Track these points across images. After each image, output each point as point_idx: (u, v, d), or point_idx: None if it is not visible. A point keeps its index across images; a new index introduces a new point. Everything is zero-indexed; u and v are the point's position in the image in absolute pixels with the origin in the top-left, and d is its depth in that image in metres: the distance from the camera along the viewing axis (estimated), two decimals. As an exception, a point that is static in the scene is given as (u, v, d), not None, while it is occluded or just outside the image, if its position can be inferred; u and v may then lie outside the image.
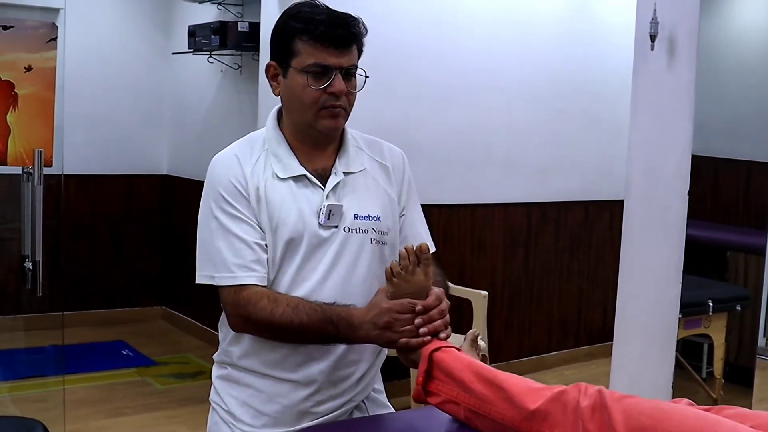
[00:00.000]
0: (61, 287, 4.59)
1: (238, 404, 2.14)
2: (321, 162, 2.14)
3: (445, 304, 2.03)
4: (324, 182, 2.11)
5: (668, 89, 3.43)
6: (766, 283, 5.56)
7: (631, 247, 3.60)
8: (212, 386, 2.24)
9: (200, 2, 5.73)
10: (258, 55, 5.08)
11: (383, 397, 2.31)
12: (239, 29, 5.23)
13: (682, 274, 3.46)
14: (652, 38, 3.37)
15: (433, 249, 2.24)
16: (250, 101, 5.39)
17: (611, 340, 3.71)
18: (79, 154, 6.00)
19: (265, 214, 2.05)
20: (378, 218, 2.15)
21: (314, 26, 2.01)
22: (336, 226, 2.08)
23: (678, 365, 3.62)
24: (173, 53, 6.32)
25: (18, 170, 3.54)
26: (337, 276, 2.08)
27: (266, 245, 2.05)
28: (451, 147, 5.23)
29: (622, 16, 5.34)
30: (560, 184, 5.85)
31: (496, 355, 5.44)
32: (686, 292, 3.54)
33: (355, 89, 2.10)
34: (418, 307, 1.96)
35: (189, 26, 5.71)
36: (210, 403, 2.25)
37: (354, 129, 2.26)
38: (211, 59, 5.74)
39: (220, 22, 5.35)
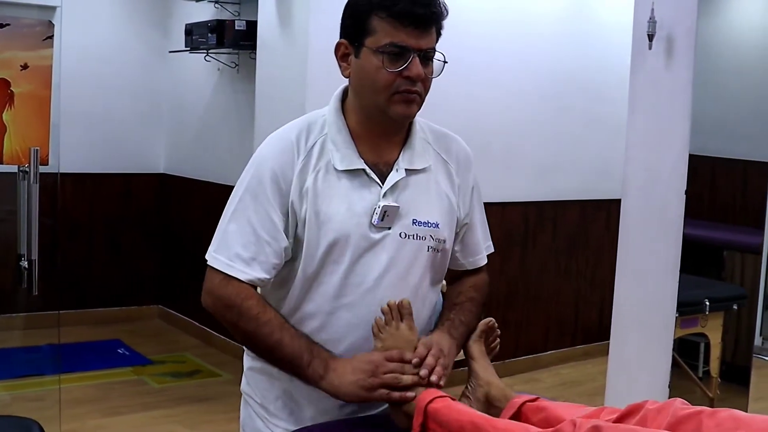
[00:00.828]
0: (57, 286, 4.58)
1: (272, 398, 2.04)
2: (384, 154, 1.98)
3: (436, 349, 1.89)
4: (383, 178, 1.95)
5: (666, 89, 3.43)
6: (762, 283, 5.57)
7: (628, 246, 3.60)
8: (244, 376, 2.13)
9: (197, 0, 5.72)
10: (255, 54, 5.07)
11: None
12: (236, 28, 5.23)
13: (679, 273, 3.46)
14: (650, 38, 3.37)
15: (491, 250, 2.18)
16: (248, 100, 5.38)
17: (608, 339, 3.72)
18: (76, 152, 5.99)
19: (310, 207, 1.89)
20: (437, 225, 1.99)
21: (393, 2, 1.83)
22: (389, 228, 1.93)
23: (675, 364, 3.62)
24: (170, 52, 6.31)
25: (14, 168, 3.53)
26: (390, 283, 1.94)
27: (283, 246, 1.91)
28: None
29: (621, 16, 5.33)
30: (558, 184, 5.85)
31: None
32: (683, 292, 3.55)
33: (432, 75, 1.92)
34: (414, 360, 1.85)
35: (186, 25, 5.71)
36: (243, 393, 2.14)
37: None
38: (208, 58, 5.74)
39: (217, 20, 5.34)
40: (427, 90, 1.92)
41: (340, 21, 1.97)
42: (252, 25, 5.11)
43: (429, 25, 1.87)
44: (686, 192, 3.42)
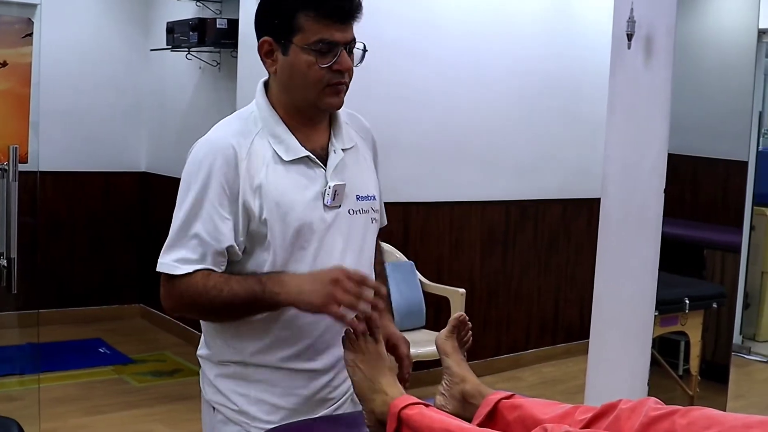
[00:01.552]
0: (37, 285, 4.55)
1: (249, 402, 2.03)
2: (317, 140, 2.04)
3: (383, 304, 1.97)
4: (324, 161, 2.02)
5: (645, 88, 3.44)
6: (742, 281, 5.60)
7: (607, 245, 3.61)
8: (208, 386, 2.10)
9: (179, -1, 5.71)
10: (236, 52, 5.06)
11: None
12: (218, 26, 5.22)
13: (658, 271, 3.47)
14: (629, 37, 3.39)
15: (384, 223, 2.25)
16: (229, 98, 5.37)
17: (588, 337, 3.73)
18: (56, 151, 5.98)
19: (269, 201, 1.93)
20: (374, 198, 2.12)
21: (320, 0, 1.90)
22: (338, 206, 2.01)
23: (655, 362, 3.64)
24: (151, 50, 6.29)
25: (-7, 166, 3.51)
26: (351, 260, 2.01)
27: (228, 248, 1.93)
28: (430, 145, 5.24)
29: (601, 15, 5.35)
30: (539, 182, 5.87)
31: (474, 352, 5.44)
32: (663, 290, 3.56)
33: (355, 64, 1.99)
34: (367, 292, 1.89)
35: (167, 23, 5.70)
36: (205, 404, 2.12)
37: None
38: (189, 56, 5.72)
39: (199, 18, 5.33)
40: (351, 78, 1.99)
41: (255, 19, 2.01)
42: (233, 24, 5.11)
43: (353, 18, 1.94)
44: (665, 191, 3.43)
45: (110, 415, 4.66)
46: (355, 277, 1.88)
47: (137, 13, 6.53)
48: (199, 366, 2.15)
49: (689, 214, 4.44)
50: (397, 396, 1.81)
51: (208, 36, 5.26)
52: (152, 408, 4.79)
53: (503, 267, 5.76)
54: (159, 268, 1.98)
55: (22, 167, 3.41)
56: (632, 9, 3.34)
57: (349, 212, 2.04)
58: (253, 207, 1.94)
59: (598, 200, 3.73)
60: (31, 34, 3.55)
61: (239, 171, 1.93)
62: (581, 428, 1.67)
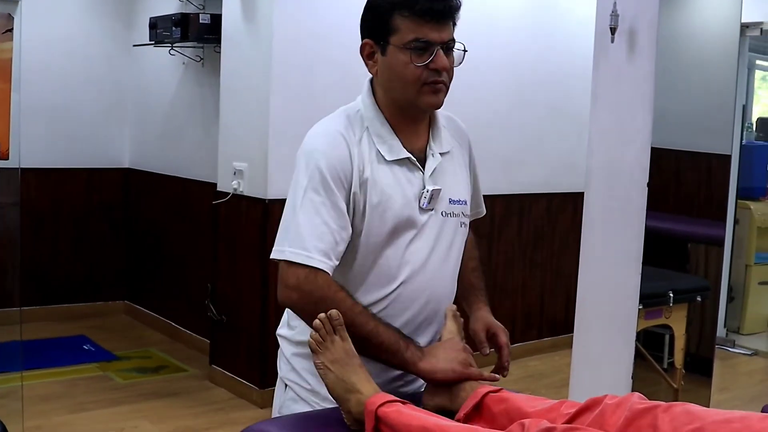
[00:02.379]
0: (20, 282, 4.54)
1: (321, 382, 2.01)
2: (416, 142, 2.12)
3: (503, 336, 2.18)
4: (422, 164, 2.10)
5: (628, 81, 3.44)
6: (726, 275, 5.62)
7: (591, 239, 3.62)
8: (285, 364, 2.20)
9: (161, -6, 5.69)
10: (219, 47, 5.05)
11: None
12: (201, 21, 5.20)
13: (641, 265, 3.48)
14: (612, 31, 3.39)
15: (484, 212, 2.45)
16: (212, 94, 5.36)
17: (573, 331, 3.73)
18: (39, 147, 5.96)
19: (373, 197, 2.01)
20: (465, 202, 2.20)
21: (414, 1, 1.96)
22: (432, 209, 2.09)
23: (639, 356, 3.65)
24: (134, 45, 6.27)
25: (-27, 164, 3.49)
26: (437, 259, 2.10)
27: (347, 235, 2.00)
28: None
29: (584, 9, 5.36)
30: (524, 177, 5.87)
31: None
32: (647, 284, 3.57)
33: (455, 64, 2.05)
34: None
35: (150, 18, 5.67)
36: (279, 382, 2.22)
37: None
38: (172, 52, 5.70)
39: (182, 14, 5.31)
40: (450, 78, 2.05)
41: (360, 23, 2.08)
42: (216, 19, 5.09)
43: (448, 19, 2.01)
44: (649, 185, 3.44)
45: (95, 413, 4.63)
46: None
47: (120, 8, 6.50)
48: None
49: (673, 208, 4.45)
50: (371, 394, 1.82)
51: (191, 31, 5.24)
52: (137, 405, 4.78)
53: (489, 261, 5.76)
54: (289, 257, 1.97)
55: (3, 164, 3.39)
56: (615, 3, 3.35)
57: (442, 214, 2.11)
58: (359, 200, 2.02)
59: (582, 194, 3.73)
60: (11, 30, 3.53)
61: (352, 160, 2.02)
62: (565, 422, 1.68)
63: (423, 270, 2.08)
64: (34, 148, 5.63)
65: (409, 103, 2.04)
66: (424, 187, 2.08)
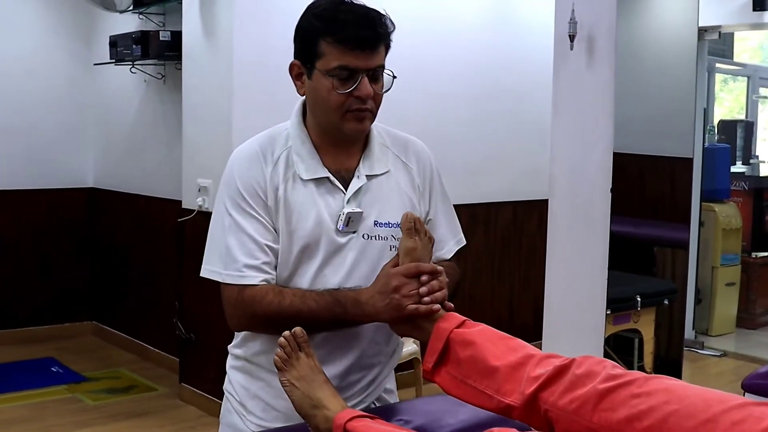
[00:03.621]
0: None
1: (249, 396, 2.12)
2: (345, 162, 2.07)
3: (444, 277, 1.98)
4: (346, 185, 2.05)
5: (588, 88, 3.46)
6: (693, 277, 5.66)
7: (556, 245, 3.63)
8: (226, 375, 2.23)
9: (121, 12, 5.65)
10: (181, 64, 5.03)
11: (394, 397, 2.27)
12: (161, 38, 5.18)
13: (608, 270, 3.50)
14: (571, 38, 3.41)
15: (462, 244, 2.29)
16: (175, 111, 5.33)
17: (542, 338, 3.74)
18: (-1, 168, 5.90)
19: (282, 217, 1.99)
20: (397, 225, 2.06)
21: (339, 27, 1.92)
22: (354, 232, 2.03)
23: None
24: (95, 64, 6.23)
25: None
26: (357, 283, 2.02)
27: (278, 248, 2.00)
28: (378, 151, 5.23)
29: (543, 17, 5.38)
30: (488, 185, 5.88)
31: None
32: (615, 288, 3.59)
33: (382, 90, 2.02)
34: (423, 277, 1.92)
35: (110, 36, 5.64)
36: (224, 392, 2.25)
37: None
38: (133, 69, 5.67)
39: (142, 31, 5.28)
40: (378, 104, 2.02)
41: (292, 41, 2.05)
42: (177, 36, 5.07)
43: (375, 46, 1.96)
44: (612, 190, 3.46)
45: (64, 435, 4.59)
46: (411, 272, 1.92)
47: (79, 27, 6.44)
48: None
49: (638, 212, 4.49)
50: (339, 410, 1.81)
51: (151, 48, 5.21)
52: (107, 426, 4.73)
53: (456, 271, 5.75)
54: (225, 280, 2.00)
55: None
56: (573, 10, 3.37)
57: (363, 237, 2.04)
58: (273, 218, 2.01)
59: (548, 201, 3.75)
60: (-32, 51, 3.50)
61: (265, 177, 2.01)
62: (534, 390, 1.66)
63: None
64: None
65: (333, 127, 2.01)
66: (342, 209, 2.02)
